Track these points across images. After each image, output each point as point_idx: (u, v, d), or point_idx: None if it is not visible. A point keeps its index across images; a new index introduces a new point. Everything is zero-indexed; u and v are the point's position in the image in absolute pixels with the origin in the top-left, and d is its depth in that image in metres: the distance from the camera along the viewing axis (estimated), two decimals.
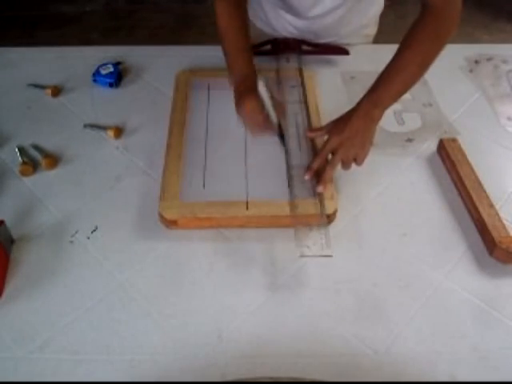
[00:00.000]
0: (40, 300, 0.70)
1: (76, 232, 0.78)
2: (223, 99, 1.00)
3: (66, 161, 0.90)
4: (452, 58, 1.12)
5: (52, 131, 0.95)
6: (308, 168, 0.80)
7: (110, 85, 1.03)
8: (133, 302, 0.70)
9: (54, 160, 0.88)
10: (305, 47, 1.09)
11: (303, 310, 0.70)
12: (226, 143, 0.91)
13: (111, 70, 1.04)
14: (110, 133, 0.93)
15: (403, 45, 0.80)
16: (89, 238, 0.78)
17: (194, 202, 0.79)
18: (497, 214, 0.77)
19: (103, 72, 1.04)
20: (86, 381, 0.63)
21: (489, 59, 1.12)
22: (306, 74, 1.03)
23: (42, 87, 1.03)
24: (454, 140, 0.89)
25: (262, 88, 0.79)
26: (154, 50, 1.17)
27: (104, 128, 0.94)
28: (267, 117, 0.80)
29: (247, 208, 0.78)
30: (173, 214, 0.77)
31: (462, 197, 0.83)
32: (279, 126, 0.82)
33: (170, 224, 0.78)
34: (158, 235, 0.78)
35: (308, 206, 0.78)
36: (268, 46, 1.09)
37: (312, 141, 0.86)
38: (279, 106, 0.83)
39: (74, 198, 0.83)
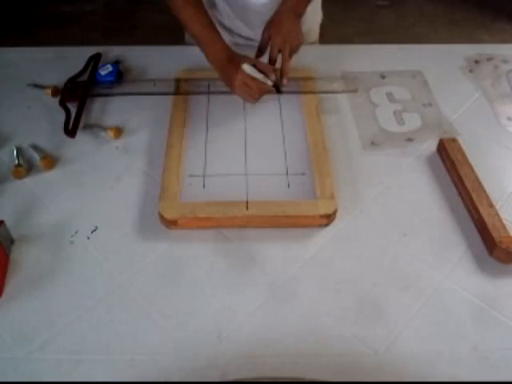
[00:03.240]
0: (40, 300, 0.70)
1: (76, 232, 0.78)
2: (223, 99, 1.00)
3: (66, 161, 0.90)
4: (452, 57, 1.12)
5: (52, 131, 0.95)
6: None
7: (111, 82, 1.03)
8: (133, 302, 0.70)
9: (51, 161, 0.88)
10: None
11: (303, 309, 0.70)
12: (226, 143, 0.91)
13: (110, 69, 1.04)
14: (110, 133, 0.93)
15: None
16: (89, 238, 0.78)
17: (193, 202, 0.79)
18: (497, 214, 0.77)
19: (103, 73, 1.04)
20: (85, 381, 0.63)
21: (489, 59, 1.12)
22: (305, 73, 1.03)
23: (42, 87, 1.03)
24: (454, 140, 0.89)
25: (247, 68, 0.89)
26: (154, 49, 1.17)
27: (104, 128, 0.94)
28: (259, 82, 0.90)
29: (247, 208, 0.78)
30: (173, 214, 0.77)
31: (461, 197, 0.83)
32: (274, 84, 0.92)
33: (170, 224, 0.78)
34: (158, 235, 0.78)
35: (308, 207, 0.78)
36: None
37: None
38: (267, 68, 0.91)
39: (74, 198, 0.83)
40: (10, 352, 0.65)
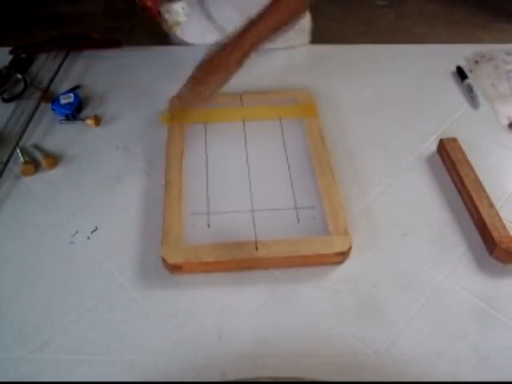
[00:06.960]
0: (40, 300, 0.70)
1: (76, 232, 0.78)
2: (221, 128, 0.93)
3: (66, 161, 0.90)
4: (452, 58, 1.12)
5: (52, 131, 0.95)
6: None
7: (67, 117, 0.96)
8: (133, 302, 0.70)
9: (54, 160, 0.88)
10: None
11: (303, 309, 0.69)
12: (228, 176, 0.85)
13: (71, 99, 0.97)
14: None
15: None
16: (89, 239, 0.78)
17: (198, 244, 0.73)
18: (497, 214, 0.77)
19: (63, 101, 0.97)
20: (85, 381, 0.63)
21: (489, 59, 1.12)
22: (303, 92, 0.99)
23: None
24: (454, 140, 0.89)
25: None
26: (154, 50, 1.17)
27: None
28: None
29: (257, 249, 0.72)
30: (177, 259, 0.71)
31: (462, 197, 0.83)
32: None
33: (174, 269, 0.72)
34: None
35: (321, 245, 0.73)
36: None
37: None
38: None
39: (74, 198, 0.83)
40: (10, 352, 0.65)
